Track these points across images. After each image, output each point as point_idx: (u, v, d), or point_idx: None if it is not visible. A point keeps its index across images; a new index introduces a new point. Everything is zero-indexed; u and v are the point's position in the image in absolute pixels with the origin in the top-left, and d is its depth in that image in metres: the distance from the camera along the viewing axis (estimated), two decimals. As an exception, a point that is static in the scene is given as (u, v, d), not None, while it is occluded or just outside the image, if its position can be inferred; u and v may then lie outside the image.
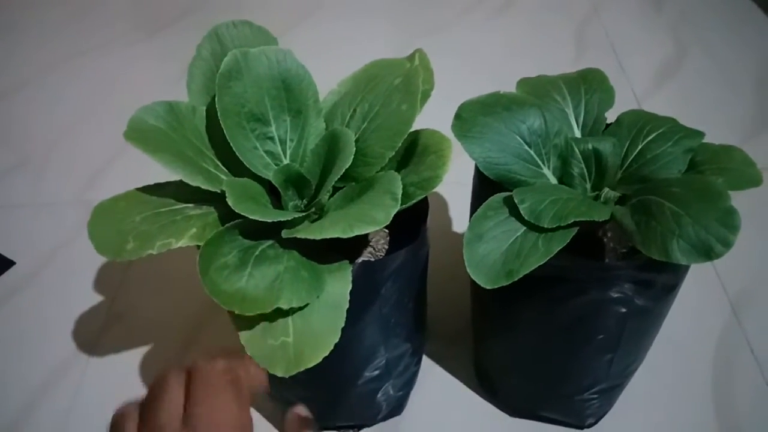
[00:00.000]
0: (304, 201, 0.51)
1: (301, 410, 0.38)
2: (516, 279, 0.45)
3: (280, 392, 0.59)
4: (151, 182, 0.52)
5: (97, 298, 0.81)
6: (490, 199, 0.50)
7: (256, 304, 0.42)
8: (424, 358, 0.71)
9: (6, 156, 1.03)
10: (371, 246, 0.55)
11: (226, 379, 0.30)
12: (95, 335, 0.77)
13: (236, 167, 0.49)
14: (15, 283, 0.83)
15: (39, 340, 0.77)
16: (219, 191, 0.46)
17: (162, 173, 0.49)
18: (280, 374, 0.42)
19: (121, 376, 0.73)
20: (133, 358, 0.74)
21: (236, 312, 0.41)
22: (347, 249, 0.52)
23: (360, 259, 0.54)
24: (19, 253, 0.87)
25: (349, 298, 0.45)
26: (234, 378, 0.31)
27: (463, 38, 1.19)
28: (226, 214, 0.46)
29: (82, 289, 0.82)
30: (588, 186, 0.53)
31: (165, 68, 1.16)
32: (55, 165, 1.00)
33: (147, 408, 0.29)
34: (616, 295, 0.49)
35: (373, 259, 0.54)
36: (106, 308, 0.80)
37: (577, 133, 0.55)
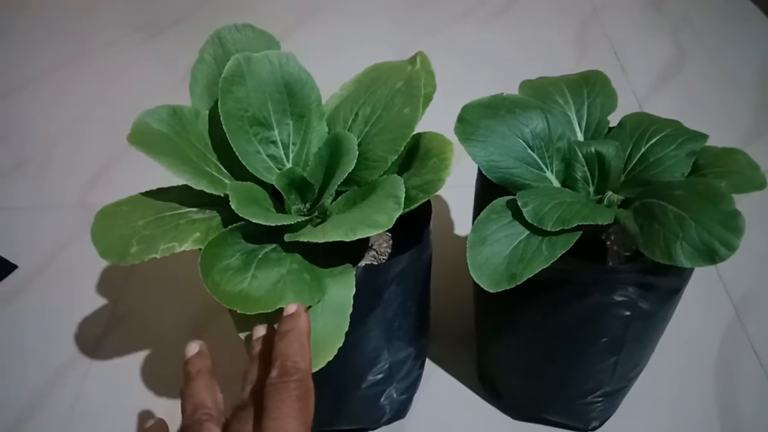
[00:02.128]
0: (307, 205, 0.51)
1: None
2: (519, 282, 0.45)
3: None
4: (152, 185, 0.52)
5: (99, 301, 0.81)
6: (493, 202, 0.50)
7: (259, 303, 0.41)
8: (428, 361, 0.71)
9: (6, 157, 1.03)
10: (374, 249, 0.55)
11: (297, 394, 0.34)
12: (98, 337, 0.77)
13: (239, 171, 0.49)
14: (17, 285, 0.83)
15: (41, 342, 0.77)
16: (222, 195, 0.47)
17: (163, 176, 0.49)
18: (284, 379, 0.42)
19: (123, 378, 0.73)
20: (135, 360, 0.74)
21: (238, 311, 0.41)
22: (350, 253, 0.52)
23: (363, 263, 0.54)
24: (21, 255, 0.87)
25: (353, 302, 0.45)
26: (303, 393, 0.35)
27: (464, 40, 1.19)
28: (230, 218, 0.46)
29: (84, 292, 0.82)
30: (591, 189, 0.53)
31: (167, 70, 1.17)
32: (56, 167, 1.00)
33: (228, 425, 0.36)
34: (619, 299, 0.49)
35: (376, 263, 0.54)
36: (109, 311, 0.80)
37: (580, 137, 0.55)
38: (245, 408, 0.35)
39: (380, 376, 0.58)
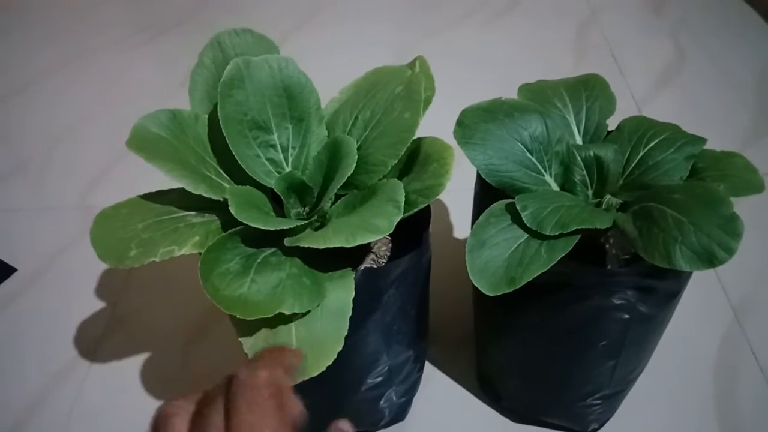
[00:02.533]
0: (307, 208, 0.51)
1: (345, 425, 0.38)
2: (518, 286, 0.45)
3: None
4: (153, 186, 0.52)
5: (99, 303, 0.81)
6: (492, 206, 0.50)
7: (258, 308, 0.42)
8: (427, 364, 0.71)
9: (6, 159, 1.03)
10: (373, 253, 0.55)
11: (269, 392, 0.31)
12: (97, 340, 0.77)
13: (239, 175, 0.49)
14: (17, 287, 0.83)
15: (41, 344, 0.77)
16: (222, 199, 0.47)
17: (164, 178, 0.49)
18: (283, 382, 0.42)
19: (122, 381, 0.73)
20: (134, 362, 0.74)
21: (238, 316, 0.41)
22: (349, 256, 0.52)
23: (362, 266, 0.54)
24: (21, 257, 0.87)
25: (352, 305, 0.45)
26: (276, 391, 0.32)
27: (463, 42, 1.19)
28: (229, 222, 0.46)
29: (84, 294, 0.82)
30: (590, 193, 0.53)
31: (166, 71, 1.17)
32: (56, 169, 1.00)
33: (193, 420, 0.31)
34: (618, 302, 0.49)
35: (375, 266, 0.54)
36: (108, 313, 0.80)
37: (579, 140, 0.55)
38: (210, 403, 0.32)
39: (379, 379, 0.58)
